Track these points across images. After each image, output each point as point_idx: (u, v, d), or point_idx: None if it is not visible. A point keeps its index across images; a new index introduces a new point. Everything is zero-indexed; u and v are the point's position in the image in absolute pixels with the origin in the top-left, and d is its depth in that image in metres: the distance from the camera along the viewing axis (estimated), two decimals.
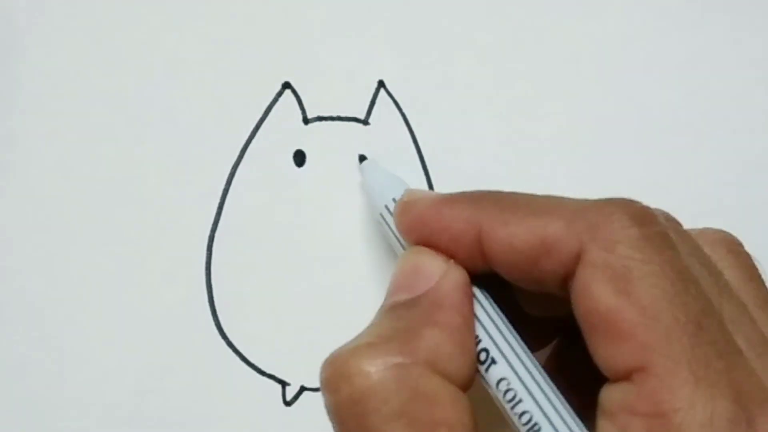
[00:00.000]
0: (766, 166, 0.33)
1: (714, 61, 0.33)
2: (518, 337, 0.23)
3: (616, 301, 0.20)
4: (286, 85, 0.31)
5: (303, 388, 0.30)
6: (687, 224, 0.32)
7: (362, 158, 0.31)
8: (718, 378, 0.19)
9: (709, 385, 0.18)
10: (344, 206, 0.31)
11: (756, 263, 0.23)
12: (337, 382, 0.21)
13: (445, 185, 0.31)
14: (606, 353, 0.20)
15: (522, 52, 0.33)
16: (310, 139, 0.31)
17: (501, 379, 0.22)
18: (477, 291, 0.23)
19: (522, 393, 0.21)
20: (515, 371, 0.22)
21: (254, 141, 0.31)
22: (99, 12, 0.31)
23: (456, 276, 0.23)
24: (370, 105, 0.31)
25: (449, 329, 0.22)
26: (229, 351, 0.30)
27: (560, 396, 0.21)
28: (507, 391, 0.21)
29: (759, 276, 0.23)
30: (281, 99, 0.31)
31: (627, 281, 0.20)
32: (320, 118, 0.31)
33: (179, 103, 0.31)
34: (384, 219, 0.27)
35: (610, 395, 0.20)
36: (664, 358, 0.19)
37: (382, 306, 0.23)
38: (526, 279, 0.22)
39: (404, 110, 0.32)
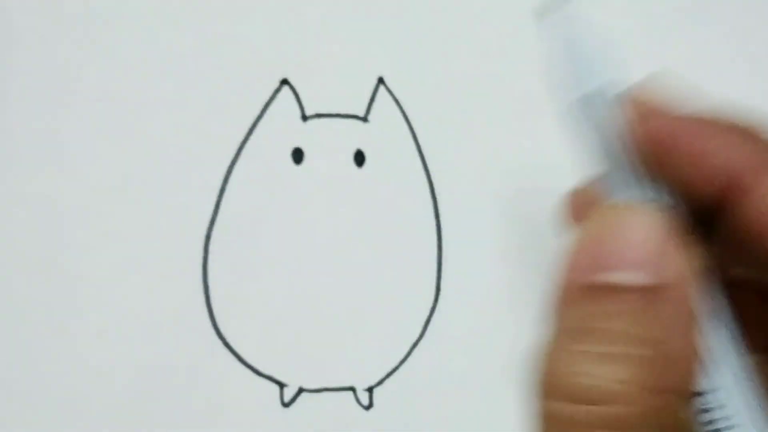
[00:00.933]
0: None
1: (714, 61, 0.33)
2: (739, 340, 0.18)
3: None
4: (285, 82, 0.31)
5: (301, 390, 0.30)
6: None
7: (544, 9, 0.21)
8: None
9: None
10: (343, 204, 0.31)
11: None
12: (573, 393, 0.16)
13: (445, 182, 0.31)
14: None
15: (522, 49, 0.32)
16: (308, 136, 0.31)
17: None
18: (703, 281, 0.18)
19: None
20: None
21: (252, 138, 0.31)
22: (96, 9, 0.31)
23: (691, 264, 0.17)
24: (370, 102, 0.31)
25: (694, 344, 0.17)
26: (226, 352, 0.30)
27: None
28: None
29: None
30: (279, 96, 0.31)
31: None
32: (319, 115, 0.31)
33: (176, 100, 0.31)
34: (586, 112, 0.19)
35: None
36: None
37: (574, 281, 0.17)
38: (758, 254, 0.18)
39: (404, 107, 0.31)
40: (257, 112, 0.31)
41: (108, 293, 0.30)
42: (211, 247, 0.30)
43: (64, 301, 0.30)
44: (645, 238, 0.17)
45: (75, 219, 0.30)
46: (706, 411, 0.17)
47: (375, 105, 0.31)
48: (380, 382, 0.30)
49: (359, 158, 0.31)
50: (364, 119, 0.31)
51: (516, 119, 0.32)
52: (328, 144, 0.31)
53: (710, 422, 0.17)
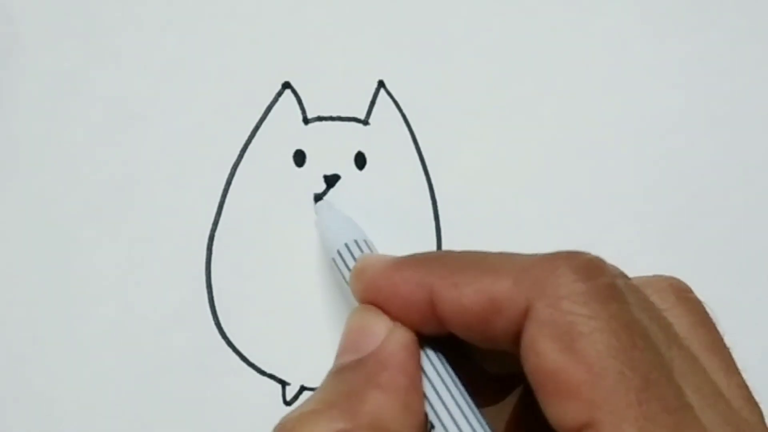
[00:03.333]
0: (766, 167, 0.33)
1: (715, 62, 0.33)
2: (467, 397, 0.22)
3: (561, 358, 0.19)
4: (286, 85, 0.31)
5: (303, 388, 0.30)
6: (685, 228, 0.32)
7: (317, 198, 0.31)
8: None
9: None
10: (345, 206, 0.31)
11: (707, 308, 0.23)
12: None
13: (445, 185, 0.31)
14: (554, 410, 0.20)
15: (522, 52, 0.32)
16: (310, 139, 0.31)
17: None
18: (427, 351, 0.23)
19: None
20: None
21: (254, 141, 0.31)
22: (98, 11, 0.31)
23: (401, 336, 0.23)
24: (370, 105, 0.31)
25: (394, 390, 0.21)
26: (229, 351, 0.30)
27: None
28: None
29: (710, 321, 0.23)
30: (281, 99, 0.31)
31: (572, 338, 0.19)
32: (320, 118, 0.31)
33: (179, 103, 0.31)
34: (336, 264, 0.27)
35: None
36: (610, 415, 0.19)
37: (330, 369, 0.23)
38: (479, 338, 0.22)
39: (404, 110, 0.31)
40: (259, 115, 0.31)
41: (112, 293, 0.30)
42: (215, 248, 0.30)
43: (67, 300, 0.30)
44: (371, 329, 0.23)
45: (79, 219, 0.30)
46: None
47: (376, 108, 0.31)
48: None
49: (360, 161, 0.31)
50: (365, 122, 0.31)
51: (516, 120, 0.32)
52: (330, 147, 0.31)
53: None
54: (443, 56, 0.32)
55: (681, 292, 0.23)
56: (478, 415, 0.22)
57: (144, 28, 0.31)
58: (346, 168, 0.31)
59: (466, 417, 0.22)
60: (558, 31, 0.33)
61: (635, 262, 0.23)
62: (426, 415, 0.22)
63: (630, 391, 0.19)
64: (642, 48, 0.33)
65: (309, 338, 0.31)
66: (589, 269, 0.20)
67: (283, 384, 0.30)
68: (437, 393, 0.22)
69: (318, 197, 0.31)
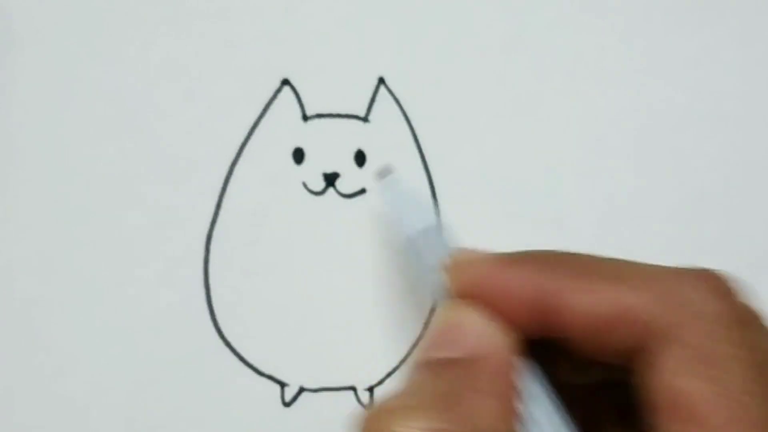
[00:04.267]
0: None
1: (717, 60, 0.33)
2: (561, 408, 0.22)
3: (696, 383, 0.19)
4: (285, 82, 0.31)
5: (302, 389, 0.30)
6: (687, 225, 0.32)
7: (383, 172, 0.28)
8: None
9: None
10: (344, 204, 0.31)
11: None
12: None
13: (445, 183, 0.31)
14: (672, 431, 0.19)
15: (524, 49, 0.32)
16: (309, 136, 0.31)
17: None
18: (526, 356, 0.22)
19: None
20: None
21: (253, 138, 0.31)
22: (96, 10, 0.31)
23: (504, 338, 0.22)
24: (370, 102, 0.31)
25: (495, 397, 0.21)
26: (228, 351, 0.30)
27: None
28: None
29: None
30: (280, 96, 0.31)
31: (712, 365, 0.19)
32: (320, 116, 0.31)
33: (177, 100, 0.31)
34: (413, 250, 0.26)
35: None
36: None
37: (417, 360, 0.22)
38: (588, 347, 0.21)
39: (404, 107, 0.31)
40: (258, 112, 0.31)
41: (109, 293, 0.30)
42: (213, 247, 0.30)
43: (65, 300, 0.30)
44: (466, 326, 0.22)
45: (76, 218, 0.30)
46: None
47: (376, 105, 0.31)
48: (381, 382, 0.30)
49: (360, 158, 0.31)
50: (365, 119, 0.31)
51: (516, 119, 0.32)
52: (329, 144, 0.31)
53: None
54: (444, 53, 0.32)
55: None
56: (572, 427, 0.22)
57: (142, 25, 0.31)
58: (345, 166, 0.31)
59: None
60: (561, 28, 0.33)
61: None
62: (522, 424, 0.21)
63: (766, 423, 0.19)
64: (645, 46, 0.33)
65: (308, 339, 0.30)
66: (727, 290, 0.20)
67: (282, 385, 0.30)
68: (535, 402, 0.22)
69: (384, 172, 0.28)
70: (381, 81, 0.31)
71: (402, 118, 0.31)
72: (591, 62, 0.33)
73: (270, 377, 0.30)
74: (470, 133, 0.32)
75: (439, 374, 0.21)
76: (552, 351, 0.23)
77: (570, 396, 0.23)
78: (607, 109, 0.33)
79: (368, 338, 0.30)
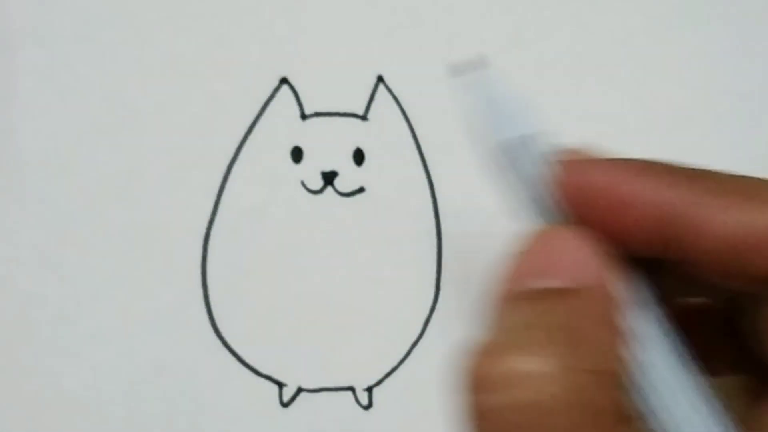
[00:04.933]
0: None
1: (717, 60, 0.33)
2: (679, 350, 0.19)
3: None
4: (284, 81, 0.31)
5: (300, 390, 0.30)
6: None
7: (470, 65, 0.22)
8: None
9: None
10: (342, 203, 0.31)
11: None
12: (497, 384, 0.17)
13: (444, 181, 0.31)
14: None
15: (523, 49, 0.32)
16: (307, 135, 0.31)
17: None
18: (638, 285, 0.20)
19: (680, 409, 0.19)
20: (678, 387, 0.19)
21: (251, 137, 0.31)
22: (94, 8, 0.31)
23: (614, 272, 0.19)
24: (369, 100, 0.31)
25: (613, 331, 0.18)
26: (225, 351, 0.30)
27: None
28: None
29: None
30: (278, 94, 0.31)
31: None
32: (318, 114, 0.31)
33: (175, 99, 0.31)
34: (509, 158, 0.20)
35: None
36: None
37: (506, 292, 0.19)
38: (719, 271, 0.19)
39: (403, 106, 0.31)
40: (256, 110, 0.31)
41: (107, 292, 0.30)
42: (210, 247, 0.30)
43: (63, 300, 0.30)
44: (567, 251, 0.19)
45: (74, 218, 0.30)
46: (637, 393, 0.19)
47: (374, 103, 0.31)
48: (380, 382, 0.30)
49: (358, 157, 0.31)
50: (364, 118, 0.31)
51: None
52: (328, 142, 0.31)
53: (643, 405, 0.19)
54: (443, 51, 0.32)
55: None
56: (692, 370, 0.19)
57: (140, 23, 0.31)
58: (344, 164, 0.31)
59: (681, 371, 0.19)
60: (561, 27, 0.32)
61: None
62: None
63: None
64: (645, 46, 0.33)
65: (306, 339, 0.30)
66: None
67: (280, 385, 0.30)
68: (651, 341, 0.19)
69: (469, 65, 0.22)
70: (380, 79, 0.31)
71: (401, 116, 0.31)
72: (591, 62, 0.33)
73: (268, 377, 0.30)
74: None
75: (546, 306, 0.18)
76: (663, 269, 0.20)
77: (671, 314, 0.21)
78: (607, 109, 0.32)
79: (367, 338, 0.30)
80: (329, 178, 0.31)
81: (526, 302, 0.19)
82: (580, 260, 0.19)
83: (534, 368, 0.17)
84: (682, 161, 0.32)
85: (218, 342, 0.30)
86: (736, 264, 0.19)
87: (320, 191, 0.31)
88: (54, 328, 0.29)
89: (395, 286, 0.30)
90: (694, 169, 0.20)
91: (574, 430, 0.17)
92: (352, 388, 0.30)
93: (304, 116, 0.31)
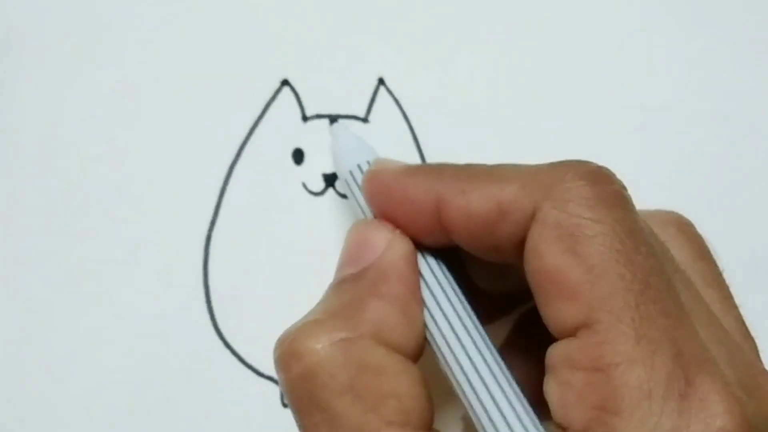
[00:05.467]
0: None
1: (717, 60, 0.33)
2: (468, 307, 0.23)
3: (563, 259, 0.20)
4: (285, 83, 0.31)
5: None
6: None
7: (333, 120, 0.30)
8: (660, 335, 0.19)
9: (650, 341, 0.19)
10: (343, 205, 0.31)
11: (707, 244, 0.24)
12: (287, 361, 0.21)
13: None
14: (553, 312, 0.20)
15: (524, 49, 0.32)
16: (308, 136, 0.31)
17: (442, 347, 0.22)
18: (428, 261, 0.23)
19: (465, 364, 0.21)
20: (460, 341, 0.22)
21: (252, 139, 0.31)
22: (95, 10, 0.31)
23: (401, 246, 0.23)
24: (370, 103, 0.31)
25: (394, 300, 0.22)
26: (227, 352, 0.30)
27: (502, 366, 0.22)
28: (447, 360, 0.22)
29: (709, 255, 0.24)
30: (280, 96, 0.31)
31: (575, 240, 0.20)
32: (319, 116, 0.31)
33: (176, 101, 0.31)
34: (348, 184, 0.27)
35: (554, 351, 0.20)
36: (606, 315, 0.19)
37: (330, 283, 0.24)
38: (483, 247, 0.22)
39: (404, 108, 0.31)
40: (258, 112, 0.31)
41: (108, 293, 0.30)
42: (212, 248, 0.30)
43: (64, 300, 0.30)
44: (371, 241, 0.23)
45: (75, 218, 0.30)
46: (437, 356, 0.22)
47: (375, 106, 0.31)
48: None
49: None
50: (365, 120, 0.31)
51: (516, 119, 0.32)
52: (329, 145, 0.31)
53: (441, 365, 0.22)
54: (444, 53, 0.32)
55: (683, 226, 0.24)
56: (478, 326, 0.22)
57: (141, 25, 0.31)
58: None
59: (465, 328, 0.22)
60: (561, 27, 0.32)
61: None
62: (425, 325, 0.22)
63: (629, 292, 0.19)
64: (645, 46, 0.33)
65: None
66: (598, 176, 0.21)
67: None
68: (437, 303, 0.22)
69: (333, 120, 0.31)
70: (381, 81, 0.31)
71: (402, 118, 0.31)
72: (591, 62, 0.33)
73: (269, 378, 0.30)
74: (470, 134, 0.32)
75: (344, 288, 0.23)
76: (468, 258, 0.24)
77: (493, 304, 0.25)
78: (607, 109, 0.33)
79: None
80: (330, 179, 0.31)
81: (333, 287, 0.23)
82: (373, 246, 0.23)
83: (305, 343, 0.21)
84: (682, 163, 0.32)
85: (220, 343, 0.30)
86: (485, 240, 0.22)
87: (321, 193, 0.31)
88: (55, 328, 0.30)
89: None
90: (453, 164, 0.24)
91: (348, 387, 0.20)
92: None
93: (305, 118, 0.31)
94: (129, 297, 0.30)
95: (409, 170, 0.24)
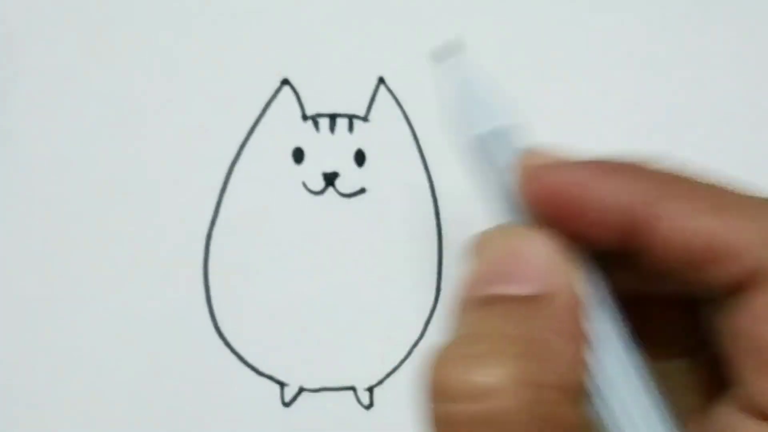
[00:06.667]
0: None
1: (717, 60, 0.33)
2: (635, 355, 0.19)
3: None
4: (285, 82, 0.31)
5: (302, 389, 0.30)
6: None
7: (447, 50, 0.21)
8: None
9: None
10: (343, 204, 0.31)
11: None
12: (455, 394, 0.17)
13: (445, 182, 0.31)
14: (763, 388, 0.18)
15: (524, 49, 0.32)
16: (309, 135, 0.31)
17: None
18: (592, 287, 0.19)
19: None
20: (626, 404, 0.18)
21: (253, 138, 0.31)
22: (96, 9, 0.31)
23: (577, 274, 0.19)
24: (370, 101, 0.31)
25: (574, 341, 0.18)
26: (227, 351, 0.30)
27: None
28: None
29: None
30: (280, 95, 0.31)
31: None
32: (319, 115, 0.31)
33: (177, 100, 0.31)
34: (478, 148, 0.20)
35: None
36: None
37: (468, 296, 0.19)
38: (675, 275, 0.19)
39: (404, 107, 0.31)
40: (258, 111, 0.31)
41: (109, 292, 0.30)
42: (212, 247, 0.30)
43: (65, 300, 0.30)
44: (532, 256, 0.19)
45: (76, 218, 0.30)
46: (597, 408, 0.18)
47: (375, 105, 0.31)
48: (380, 382, 0.30)
49: (359, 158, 0.31)
50: (365, 119, 0.31)
51: (516, 117, 0.32)
52: (329, 143, 0.31)
53: (601, 419, 0.18)
54: None
55: None
56: (648, 382, 0.19)
57: (141, 25, 0.31)
58: (345, 165, 0.31)
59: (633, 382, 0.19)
60: (561, 28, 0.32)
61: None
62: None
63: None
64: (645, 46, 0.33)
65: (308, 339, 0.30)
66: None
67: (282, 385, 0.30)
68: (608, 350, 0.19)
69: (446, 51, 0.21)
70: (381, 81, 0.31)
71: (402, 117, 0.31)
72: (591, 62, 0.33)
73: (270, 377, 0.30)
74: None
75: (508, 313, 0.18)
76: (617, 261, 0.20)
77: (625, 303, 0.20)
78: (607, 109, 0.32)
79: (368, 338, 0.30)
80: (330, 178, 0.31)
81: (487, 309, 0.18)
82: (545, 266, 0.19)
83: (488, 381, 0.17)
84: (681, 161, 0.32)
85: (220, 342, 0.30)
86: (692, 271, 0.19)
87: (321, 192, 0.31)
88: (56, 328, 0.30)
89: (396, 287, 0.31)
90: (659, 172, 0.20)
91: None
92: (353, 388, 0.30)
93: (305, 117, 0.31)
94: (129, 296, 0.30)
95: (600, 170, 0.19)
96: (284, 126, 0.31)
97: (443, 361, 0.17)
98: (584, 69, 0.32)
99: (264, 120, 0.31)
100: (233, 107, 0.31)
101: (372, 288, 0.31)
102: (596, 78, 0.32)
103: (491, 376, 0.17)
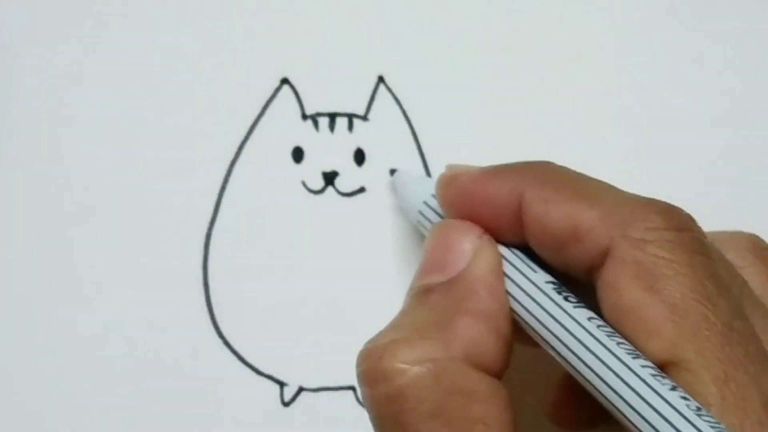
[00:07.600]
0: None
1: (717, 60, 0.33)
2: (565, 291, 0.21)
3: (644, 296, 0.19)
4: (285, 81, 0.31)
5: (301, 389, 0.30)
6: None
7: (392, 172, 0.31)
8: (748, 380, 0.18)
9: (738, 386, 0.18)
10: (343, 203, 0.31)
11: None
12: (374, 379, 0.20)
13: None
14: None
15: (524, 47, 0.32)
16: (308, 135, 0.31)
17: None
18: (515, 260, 0.22)
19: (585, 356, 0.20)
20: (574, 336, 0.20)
21: (252, 137, 0.31)
22: (96, 9, 0.31)
23: (489, 255, 0.22)
24: (370, 100, 0.31)
25: (485, 317, 0.21)
26: (227, 351, 0.30)
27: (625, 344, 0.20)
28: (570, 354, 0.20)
29: None
30: (279, 94, 0.31)
31: (655, 278, 0.19)
32: (319, 114, 0.31)
33: (176, 99, 0.31)
34: (423, 216, 0.26)
35: None
36: (694, 354, 0.18)
37: (413, 287, 0.23)
38: (555, 259, 0.22)
39: (404, 106, 0.31)
40: (257, 111, 0.31)
41: (108, 292, 0.30)
42: (212, 247, 0.30)
43: (64, 300, 0.30)
44: (453, 245, 0.22)
45: (75, 218, 0.30)
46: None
47: (375, 104, 0.31)
48: None
49: (359, 157, 0.31)
50: (364, 118, 0.31)
51: (518, 115, 0.32)
52: (328, 143, 0.31)
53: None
54: (444, 51, 0.32)
55: (760, 251, 0.23)
56: (585, 309, 0.21)
57: (140, 23, 0.31)
58: (345, 164, 0.31)
59: (573, 318, 0.21)
60: (561, 27, 0.32)
61: None
62: (540, 337, 0.21)
63: (714, 334, 0.19)
64: (645, 46, 0.33)
65: (307, 338, 0.30)
66: (680, 222, 0.20)
67: (281, 384, 0.30)
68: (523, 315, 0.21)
69: (392, 172, 0.31)
70: (380, 79, 0.31)
71: (402, 116, 0.31)
72: (591, 62, 0.33)
73: (269, 377, 0.30)
74: (470, 132, 0.32)
75: (431, 300, 0.22)
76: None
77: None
78: (607, 109, 0.33)
79: (368, 338, 0.30)
80: (330, 178, 0.31)
81: (414, 299, 0.22)
82: (457, 253, 0.22)
83: (395, 364, 0.20)
84: (682, 163, 0.32)
85: (219, 341, 0.30)
86: (558, 250, 0.21)
87: (321, 191, 0.31)
88: (54, 328, 0.29)
89: (396, 286, 0.31)
90: (539, 169, 0.23)
91: (436, 411, 0.19)
92: (353, 388, 0.30)
93: (305, 116, 0.31)
94: (128, 295, 0.30)
95: (491, 172, 0.23)
96: (284, 125, 0.31)
97: (368, 351, 0.21)
98: (584, 69, 0.33)
99: (263, 119, 0.31)
100: (232, 106, 0.31)
101: (372, 287, 0.31)
102: (596, 78, 0.33)
103: (399, 359, 0.20)
